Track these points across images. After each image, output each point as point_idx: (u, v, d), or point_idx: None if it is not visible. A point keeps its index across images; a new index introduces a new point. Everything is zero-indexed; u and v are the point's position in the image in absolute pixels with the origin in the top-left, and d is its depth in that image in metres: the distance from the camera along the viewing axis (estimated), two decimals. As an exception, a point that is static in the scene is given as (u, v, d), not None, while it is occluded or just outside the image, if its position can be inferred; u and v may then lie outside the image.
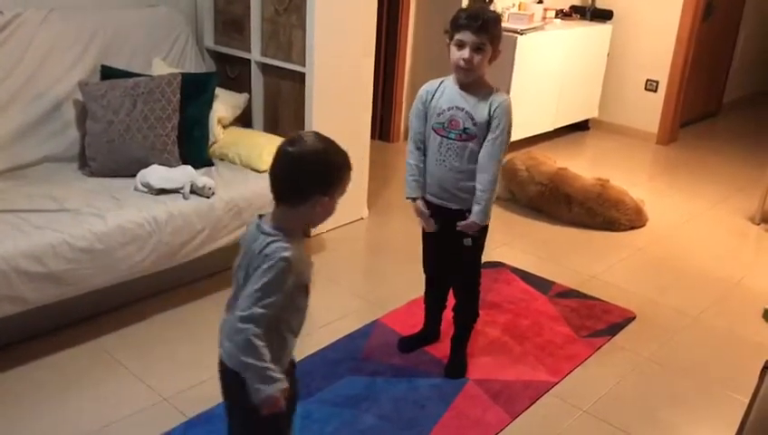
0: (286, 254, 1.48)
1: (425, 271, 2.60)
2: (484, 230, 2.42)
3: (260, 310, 1.49)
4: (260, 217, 1.58)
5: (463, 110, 2.25)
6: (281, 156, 1.53)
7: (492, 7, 4.72)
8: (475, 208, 2.29)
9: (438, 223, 2.41)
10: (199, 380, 2.43)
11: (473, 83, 2.25)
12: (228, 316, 1.62)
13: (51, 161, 2.94)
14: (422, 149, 2.36)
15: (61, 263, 2.34)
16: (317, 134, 1.63)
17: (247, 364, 1.52)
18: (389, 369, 2.54)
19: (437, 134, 2.30)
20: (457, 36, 2.19)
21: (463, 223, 2.33)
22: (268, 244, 1.50)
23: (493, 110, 2.23)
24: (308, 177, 1.52)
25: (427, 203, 2.40)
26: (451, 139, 2.27)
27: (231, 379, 1.62)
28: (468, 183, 2.29)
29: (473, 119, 2.24)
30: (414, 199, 2.41)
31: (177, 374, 2.45)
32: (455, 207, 2.34)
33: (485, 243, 2.46)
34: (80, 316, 2.68)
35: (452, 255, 2.45)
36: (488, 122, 2.24)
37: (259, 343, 1.49)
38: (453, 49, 2.21)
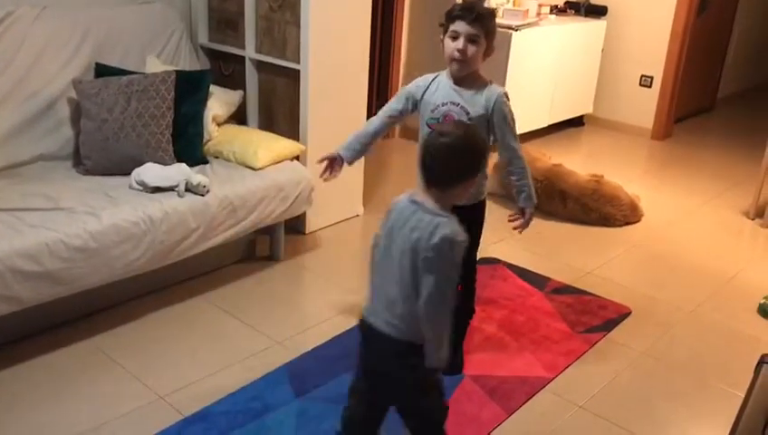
0: (462, 238, 1.65)
1: None
2: (478, 227, 2.42)
3: (450, 286, 1.67)
4: (410, 197, 1.73)
5: (458, 105, 2.25)
6: (434, 147, 1.70)
7: (486, 4, 4.73)
8: (522, 197, 2.35)
9: None
10: (195, 378, 2.43)
11: (467, 78, 2.25)
12: (386, 292, 1.73)
13: (45, 160, 2.93)
14: (385, 120, 2.39)
15: (56, 262, 2.33)
16: (457, 123, 1.99)
17: (441, 335, 1.68)
18: (386, 366, 2.54)
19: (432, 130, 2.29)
20: (452, 27, 2.20)
21: (518, 221, 2.37)
22: (440, 224, 1.64)
23: (491, 106, 2.23)
24: (461, 164, 1.71)
25: None
26: None
27: (402, 352, 1.73)
28: None
29: (468, 113, 2.24)
30: (341, 157, 2.42)
31: (172, 373, 2.45)
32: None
33: (481, 240, 2.46)
34: (75, 315, 2.67)
35: None
36: (485, 117, 2.24)
37: (449, 314, 1.68)
38: (447, 41, 2.22)
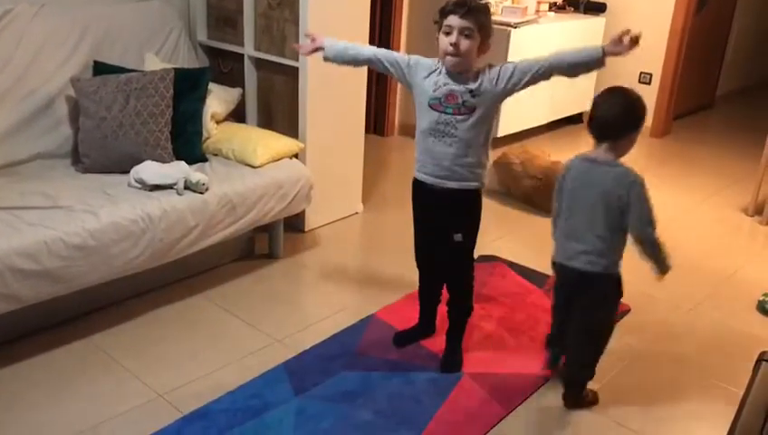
0: (638, 174, 2.13)
1: (417, 265, 2.60)
2: (475, 225, 2.42)
3: (651, 209, 2.13)
4: (581, 158, 2.21)
5: (459, 83, 2.24)
6: (605, 107, 2.15)
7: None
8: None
9: (430, 206, 2.41)
10: (194, 376, 2.43)
11: (464, 73, 2.24)
12: (579, 238, 2.20)
13: (43, 158, 2.93)
14: (377, 58, 2.38)
15: (55, 260, 2.33)
16: (622, 87, 2.22)
17: (661, 246, 2.20)
18: (385, 364, 2.54)
19: (434, 110, 2.27)
20: (445, 22, 2.20)
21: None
22: (626, 172, 2.13)
23: (495, 78, 2.24)
24: (631, 119, 2.14)
25: (421, 184, 2.39)
26: (448, 114, 2.25)
27: (598, 281, 2.24)
28: (467, 159, 2.28)
29: (471, 91, 2.23)
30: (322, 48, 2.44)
31: (171, 371, 2.45)
32: (452, 184, 2.32)
33: (478, 237, 2.46)
34: (73, 314, 2.67)
35: (443, 249, 2.45)
36: (490, 91, 2.23)
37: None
38: (441, 37, 2.22)
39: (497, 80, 2.24)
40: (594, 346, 2.34)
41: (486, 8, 2.24)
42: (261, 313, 2.84)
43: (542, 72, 2.26)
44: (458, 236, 2.39)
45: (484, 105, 2.24)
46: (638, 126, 2.15)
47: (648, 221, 2.13)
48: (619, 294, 2.32)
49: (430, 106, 2.28)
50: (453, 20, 2.18)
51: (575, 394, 2.38)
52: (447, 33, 2.19)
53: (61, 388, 2.33)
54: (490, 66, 2.27)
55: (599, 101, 2.18)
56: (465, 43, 2.17)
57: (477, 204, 2.41)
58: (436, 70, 2.29)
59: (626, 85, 2.27)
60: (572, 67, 2.27)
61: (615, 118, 2.12)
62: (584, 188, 2.18)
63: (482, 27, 2.19)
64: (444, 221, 2.40)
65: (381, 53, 2.40)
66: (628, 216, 2.13)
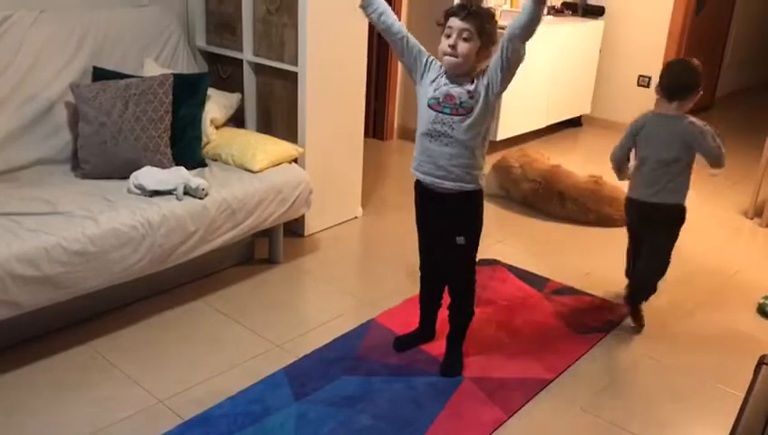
0: (707, 125, 2.75)
1: (420, 268, 2.60)
2: (477, 228, 2.42)
3: (717, 141, 2.78)
4: (652, 114, 2.81)
5: (458, 85, 2.25)
6: (682, 69, 2.78)
7: (484, 4, 4.73)
8: None
9: (431, 209, 2.42)
10: (194, 381, 2.43)
11: (464, 75, 2.24)
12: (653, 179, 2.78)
13: (43, 164, 2.93)
14: (406, 36, 2.30)
15: (55, 266, 2.33)
16: (686, 59, 2.92)
17: (723, 161, 2.82)
18: (385, 368, 2.54)
19: (433, 110, 2.28)
20: (447, 24, 2.21)
21: None
22: (689, 121, 2.73)
23: (486, 72, 2.22)
24: (692, 81, 2.72)
25: (421, 185, 2.40)
26: (446, 114, 2.26)
27: (670, 211, 2.82)
28: (463, 160, 2.28)
29: (469, 92, 2.23)
30: None
31: (172, 376, 2.44)
32: (449, 185, 2.31)
33: (480, 240, 2.46)
34: (73, 319, 2.67)
35: (446, 252, 2.45)
36: (486, 92, 2.23)
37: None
38: (443, 38, 2.23)
39: (488, 79, 2.24)
40: (660, 266, 2.87)
41: (489, 14, 2.24)
42: (261, 317, 2.84)
43: (505, 47, 2.18)
44: (461, 239, 2.39)
45: (480, 106, 2.24)
46: (699, 89, 2.73)
47: (717, 149, 2.76)
48: (683, 220, 2.85)
49: (429, 106, 2.29)
50: (454, 22, 2.19)
51: (636, 306, 2.91)
52: (448, 36, 2.20)
53: (61, 394, 2.33)
54: (486, 69, 2.27)
55: (669, 70, 2.79)
56: (462, 46, 2.18)
57: (478, 207, 2.41)
58: (440, 73, 2.30)
59: (686, 57, 3.02)
60: (521, 23, 2.14)
61: (684, 82, 2.71)
62: (660, 136, 2.74)
63: (482, 32, 2.19)
64: (446, 224, 2.41)
65: (409, 36, 2.33)
66: (699, 151, 2.74)
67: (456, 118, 2.25)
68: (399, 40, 2.31)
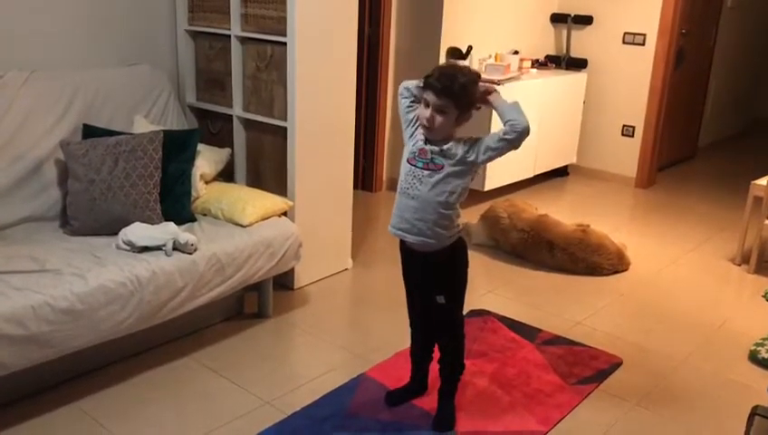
0: None
1: (410, 322, 2.59)
2: (457, 285, 2.42)
3: None
4: None
5: (433, 144, 2.27)
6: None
7: (469, 63, 4.83)
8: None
9: (410, 266, 2.45)
10: (183, 441, 2.38)
11: (440, 141, 2.27)
12: None
13: (32, 221, 2.92)
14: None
15: (42, 325, 2.30)
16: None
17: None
18: (377, 424, 2.50)
19: (408, 163, 2.31)
20: (424, 95, 2.24)
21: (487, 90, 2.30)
22: None
23: (470, 145, 2.25)
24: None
25: (400, 241, 2.42)
26: (418, 167, 2.29)
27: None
28: (427, 215, 2.28)
29: (442, 150, 2.25)
30: None
31: (160, 436, 2.40)
32: (411, 239, 2.33)
33: (469, 291, 2.46)
34: (60, 378, 2.63)
35: (428, 309, 2.46)
36: (460, 156, 2.24)
37: None
38: (421, 105, 2.26)
39: (471, 150, 2.25)
40: None
41: (468, 83, 2.22)
42: (250, 374, 2.80)
43: (501, 146, 2.27)
44: (441, 298, 2.40)
45: (451, 167, 2.25)
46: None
47: None
48: None
49: (407, 160, 2.33)
50: (430, 96, 2.21)
51: None
52: (426, 106, 2.23)
53: (45, 457, 2.28)
54: (468, 139, 2.29)
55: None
56: (438, 120, 2.21)
57: (455, 264, 2.40)
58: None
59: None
60: (512, 142, 2.29)
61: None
62: None
63: (459, 103, 2.20)
64: (426, 282, 2.42)
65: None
66: None
67: (426, 172, 2.27)
68: (407, 100, 2.38)
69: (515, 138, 2.24)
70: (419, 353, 2.63)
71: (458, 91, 2.20)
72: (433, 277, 2.40)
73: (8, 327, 2.22)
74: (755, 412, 1.77)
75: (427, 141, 2.28)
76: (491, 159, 2.28)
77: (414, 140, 2.32)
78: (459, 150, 2.25)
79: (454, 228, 2.34)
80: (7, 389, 2.47)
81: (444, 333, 2.50)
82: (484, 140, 2.26)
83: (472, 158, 2.26)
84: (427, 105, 2.22)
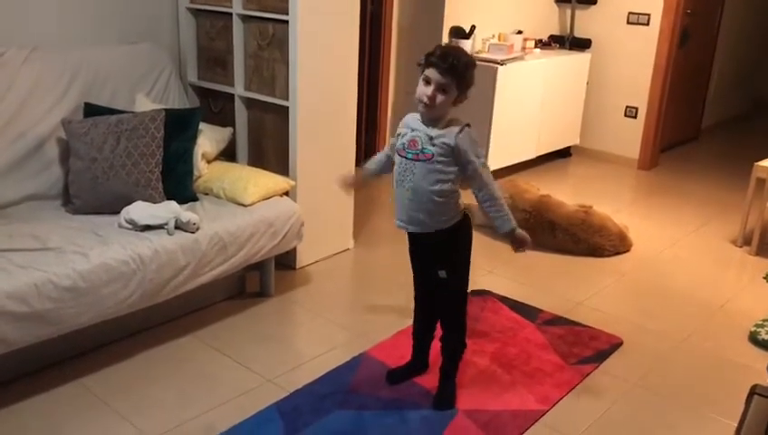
0: None
1: (414, 298, 2.61)
2: (459, 262, 2.43)
3: None
4: None
5: (422, 131, 2.27)
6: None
7: (472, 43, 4.80)
8: (496, 223, 2.32)
9: (413, 244, 2.48)
10: (185, 417, 2.40)
11: (436, 119, 2.27)
12: None
13: (34, 200, 2.92)
14: (384, 159, 2.50)
15: (45, 302, 2.31)
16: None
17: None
18: (378, 402, 2.52)
19: (399, 155, 2.32)
20: (426, 72, 2.22)
21: (514, 247, 2.37)
22: None
23: (455, 143, 2.22)
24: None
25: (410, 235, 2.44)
26: (408, 159, 2.29)
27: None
28: (423, 205, 2.29)
29: (431, 139, 2.24)
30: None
31: (163, 413, 2.42)
32: (414, 229, 2.36)
33: (468, 274, 2.47)
34: (63, 356, 2.65)
35: (432, 285, 2.47)
36: (451, 150, 2.23)
37: None
38: (420, 83, 2.24)
39: (456, 148, 2.23)
40: None
41: (470, 64, 2.23)
42: (252, 352, 2.82)
43: (471, 181, 2.29)
44: (442, 274, 2.41)
45: (440, 156, 2.24)
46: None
47: None
48: None
49: (397, 152, 2.33)
50: (433, 73, 2.19)
51: None
52: (426, 83, 2.22)
53: (50, 432, 2.30)
54: (462, 129, 2.24)
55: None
56: (440, 98, 2.20)
57: (458, 242, 2.41)
58: (406, 124, 2.34)
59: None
60: (485, 207, 2.32)
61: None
62: None
63: (461, 83, 2.20)
64: (428, 258, 2.45)
65: (388, 153, 2.49)
66: None
67: (417, 163, 2.27)
68: (388, 161, 2.46)
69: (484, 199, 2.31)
70: (421, 331, 2.64)
71: (462, 69, 2.19)
72: (435, 254, 2.41)
73: (11, 304, 2.23)
74: (754, 391, 1.78)
75: (420, 124, 2.28)
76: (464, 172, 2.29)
77: (403, 133, 2.32)
78: (447, 139, 2.23)
79: (453, 213, 2.34)
80: (11, 366, 2.49)
81: (446, 309, 2.51)
82: (470, 162, 2.25)
83: (456, 158, 2.25)
84: (428, 82, 2.21)
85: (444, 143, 2.23)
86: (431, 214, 2.30)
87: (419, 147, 2.26)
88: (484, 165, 2.29)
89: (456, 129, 2.24)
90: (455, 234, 2.38)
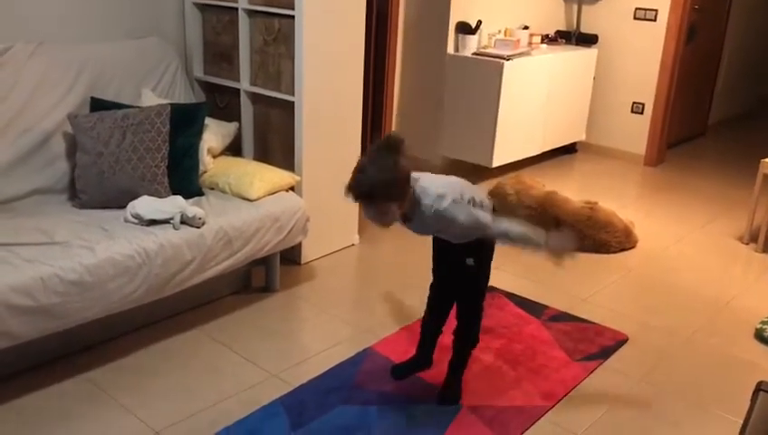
0: None
1: (430, 288, 2.61)
2: (486, 252, 2.43)
3: None
4: None
5: (415, 223, 2.24)
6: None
7: (478, 38, 4.78)
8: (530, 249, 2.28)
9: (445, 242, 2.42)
10: (191, 411, 2.41)
11: (408, 213, 2.19)
12: None
13: (40, 194, 2.93)
14: None
15: (51, 296, 2.32)
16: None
17: None
18: (382, 397, 2.53)
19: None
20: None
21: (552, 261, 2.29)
22: None
23: (442, 214, 2.16)
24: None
25: None
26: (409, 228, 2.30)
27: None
28: (441, 234, 2.35)
29: (424, 219, 2.19)
30: None
31: (168, 406, 2.43)
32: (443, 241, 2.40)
33: (491, 269, 2.48)
34: (69, 350, 2.66)
35: (456, 274, 2.46)
36: (443, 217, 2.18)
37: None
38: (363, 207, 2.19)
39: (434, 214, 2.16)
40: None
41: (379, 184, 2.06)
42: (257, 347, 2.82)
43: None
44: (470, 261, 2.39)
45: (443, 222, 2.18)
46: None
47: None
48: None
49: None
50: (361, 204, 2.14)
51: None
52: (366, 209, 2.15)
53: (56, 426, 2.31)
54: (434, 202, 2.15)
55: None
56: (387, 217, 2.13)
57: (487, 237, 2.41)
58: None
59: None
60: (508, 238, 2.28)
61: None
62: None
63: (389, 196, 2.08)
64: (454, 248, 2.40)
65: None
66: None
67: (407, 223, 2.25)
68: None
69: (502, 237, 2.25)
70: (432, 323, 2.63)
71: (379, 190, 2.07)
72: (464, 245, 2.38)
73: (17, 298, 2.24)
74: (760, 388, 1.77)
75: (406, 222, 2.24)
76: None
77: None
78: (418, 212, 2.16)
79: (474, 228, 2.26)
80: (17, 359, 2.50)
81: (468, 297, 2.50)
82: (462, 224, 2.17)
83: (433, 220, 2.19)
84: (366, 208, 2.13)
85: (437, 212, 2.16)
86: (453, 236, 2.33)
87: (427, 233, 2.29)
88: (478, 203, 2.24)
89: (428, 203, 2.14)
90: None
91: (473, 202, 2.24)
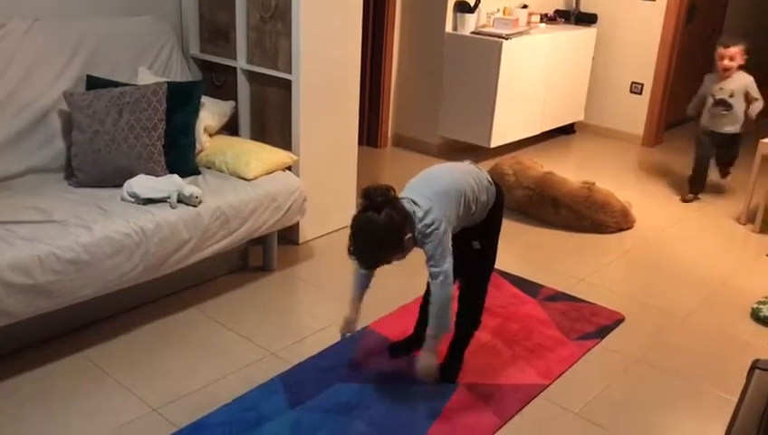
0: None
1: None
2: (494, 238, 2.49)
3: None
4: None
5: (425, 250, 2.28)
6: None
7: (476, 17, 4.75)
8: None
9: None
10: (189, 389, 2.42)
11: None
12: None
13: (36, 172, 2.92)
14: (362, 280, 2.54)
15: (48, 275, 2.32)
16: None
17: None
18: (380, 375, 2.54)
19: None
20: None
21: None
22: None
23: (424, 237, 2.24)
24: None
25: None
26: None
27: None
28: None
29: (424, 238, 2.24)
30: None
31: (166, 385, 2.43)
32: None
33: (497, 252, 2.51)
34: (66, 328, 2.66)
35: (463, 255, 2.46)
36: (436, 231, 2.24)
37: None
38: None
39: (424, 239, 2.24)
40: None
41: (384, 253, 2.22)
42: (255, 325, 2.83)
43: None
44: (476, 244, 2.44)
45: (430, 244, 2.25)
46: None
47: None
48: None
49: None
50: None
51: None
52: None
53: (53, 404, 2.32)
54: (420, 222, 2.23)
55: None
56: (394, 261, 2.23)
57: (493, 216, 2.47)
58: None
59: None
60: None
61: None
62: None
63: (391, 252, 2.20)
64: (461, 231, 2.42)
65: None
66: None
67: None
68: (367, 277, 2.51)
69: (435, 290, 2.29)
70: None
71: (377, 253, 2.22)
72: (470, 228, 2.43)
73: (14, 276, 2.24)
74: (756, 366, 1.78)
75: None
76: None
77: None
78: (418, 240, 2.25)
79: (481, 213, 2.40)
80: (14, 337, 2.50)
81: (473, 280, 2.51)
82: (429, 251, 2.25)
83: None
84: None
85: (431, 230, 2.22)
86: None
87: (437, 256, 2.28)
88: (475, 194, 2.34)
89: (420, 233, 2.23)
90: (490, 212, 2.43)
91: (466, 199, 2.31)
